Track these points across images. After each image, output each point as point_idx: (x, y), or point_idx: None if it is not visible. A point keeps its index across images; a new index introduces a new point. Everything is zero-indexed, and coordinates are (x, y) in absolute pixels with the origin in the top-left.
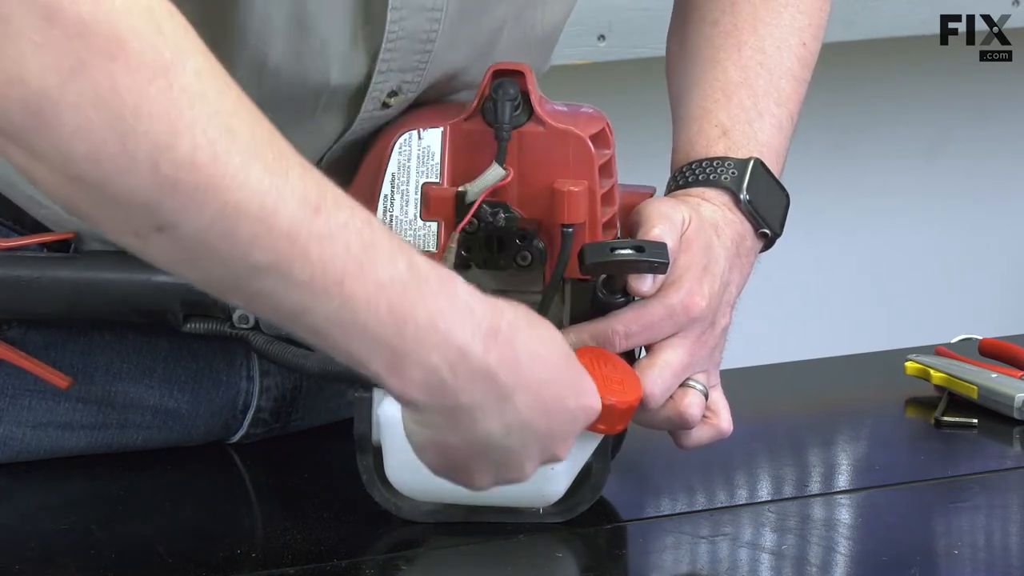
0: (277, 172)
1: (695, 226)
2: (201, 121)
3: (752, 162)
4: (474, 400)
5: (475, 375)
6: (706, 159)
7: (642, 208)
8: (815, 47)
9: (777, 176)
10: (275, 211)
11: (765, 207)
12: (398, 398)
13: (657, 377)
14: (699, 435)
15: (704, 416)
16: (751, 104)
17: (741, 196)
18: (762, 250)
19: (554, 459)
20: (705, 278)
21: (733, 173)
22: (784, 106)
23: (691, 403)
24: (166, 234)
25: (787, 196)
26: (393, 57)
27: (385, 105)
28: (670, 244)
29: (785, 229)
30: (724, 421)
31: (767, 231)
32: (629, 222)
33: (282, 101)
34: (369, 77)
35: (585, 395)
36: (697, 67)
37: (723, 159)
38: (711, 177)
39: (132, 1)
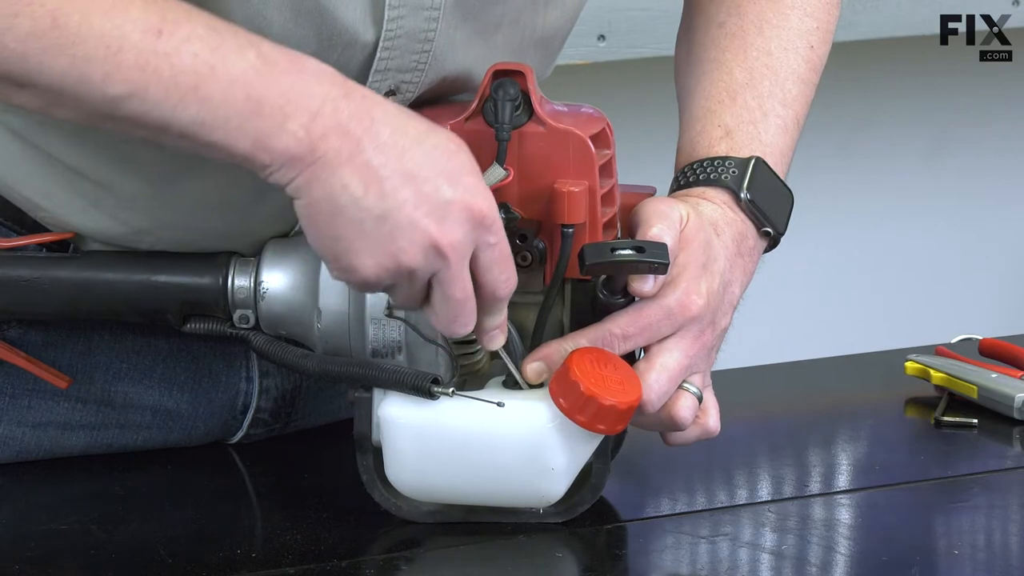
0: (117, 13)
1: (694, 224)
2: None
3: (753, 161)
4: (328, 151)
5: (327, 129)
6: (707, 159)
7: (640, 208)
8: (823, 50)
9: (781, 176)
10: (120, 49)
11: (767, 206)
12: (271, 178)
13: (654, 382)
14: (686, 434)
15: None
16: (756, 105)
17: (742, 195)
18: (766, 250)
19: (437, 248)
20: (703, 276)
21: (734, 172)
22: (790, 107)
23: (684, 407)
24: (27, 90)
25: (791, 195)
26: (391, 56)
27: None
28: (669, 243)
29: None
30: (712, 421)
31: (770, 230)
32: (628, 222)
33: None
34: (366, 75)
35: (465, 189)
36: (703, 68)
37: (724, 159)
38: (712, 176)
39: None
